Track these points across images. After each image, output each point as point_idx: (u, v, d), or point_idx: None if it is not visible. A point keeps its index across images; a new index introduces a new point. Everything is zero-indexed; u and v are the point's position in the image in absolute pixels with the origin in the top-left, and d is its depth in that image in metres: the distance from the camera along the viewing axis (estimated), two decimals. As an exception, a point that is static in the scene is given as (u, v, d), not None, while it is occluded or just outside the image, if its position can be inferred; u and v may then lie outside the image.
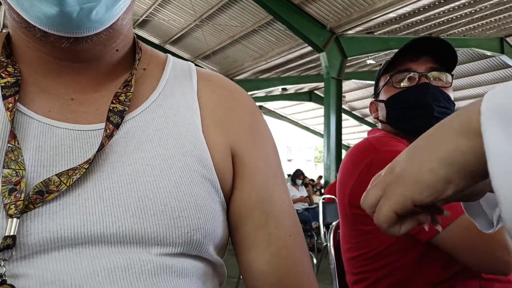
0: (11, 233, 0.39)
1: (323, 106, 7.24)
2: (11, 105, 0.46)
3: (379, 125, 1.11)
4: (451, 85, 1.02)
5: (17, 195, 0.41)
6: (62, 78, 0.50)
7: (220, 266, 0.54)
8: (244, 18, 7.37)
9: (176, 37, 8.59)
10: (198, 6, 7.18)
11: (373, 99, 1.12)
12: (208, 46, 8.72)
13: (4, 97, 0.46)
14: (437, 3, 6.23)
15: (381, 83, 1.07)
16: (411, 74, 1.00)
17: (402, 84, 1.01)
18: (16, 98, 0.46)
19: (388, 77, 1.03)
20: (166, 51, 8.87)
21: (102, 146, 0.46)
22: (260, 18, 7.27)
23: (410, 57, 1.01)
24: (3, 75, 0.48)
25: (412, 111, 0.98)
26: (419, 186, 0.37)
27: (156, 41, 8.90)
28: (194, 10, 7.26)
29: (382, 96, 1.06)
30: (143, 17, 7.85)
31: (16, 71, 0.49)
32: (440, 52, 1.00)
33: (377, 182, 0.42)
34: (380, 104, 1.07)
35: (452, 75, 1.03)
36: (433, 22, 6.87)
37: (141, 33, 8.61)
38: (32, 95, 0.49)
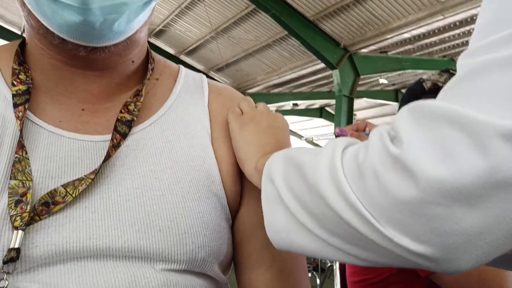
0: (16, 246, 0.39)
1: (333, 123, 7.22)
2: (21, 113, 0.45)
3: None
4: None
5: (23, 207, 0.40)
6: (74, 86, 0.50)
7: (224, 284, 0.54)
8: (259, 32, 7.45)
9: (191, 48, 8.70)
10: (214, 18, 7.28)
11: None
12: (222, 58, 8.81)
13: (15, 106, 0.46)
14: (452, 25, 6.23)
15: None
16: None
17: None
18: (26, 106, 0.46)
19: None
20: (180, 61, 9.00)
21: (108, 156, 0.45)
22: (275, 33, 7.33)
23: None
24: (15, 82, 0.48)
25: None
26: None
27: (171, 51, 9.02)
28: (210, 22, 7.36)
29: None
30: (160, 26, 7.98)
31: (27, 79, 0.49)
32: None
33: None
34: None
35: None
36: (448, 44, 6.86)
37: (157, 42, 8.74)
38: (44, 105, 0.48)
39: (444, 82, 1.01)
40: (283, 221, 0.41)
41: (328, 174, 0.36)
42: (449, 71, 1.02)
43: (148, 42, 0.59)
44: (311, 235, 0.38)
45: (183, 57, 9.18)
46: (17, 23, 8.37)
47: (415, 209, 0.30)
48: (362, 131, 0.84)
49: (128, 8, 0.43)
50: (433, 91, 1.01)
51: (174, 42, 8.76)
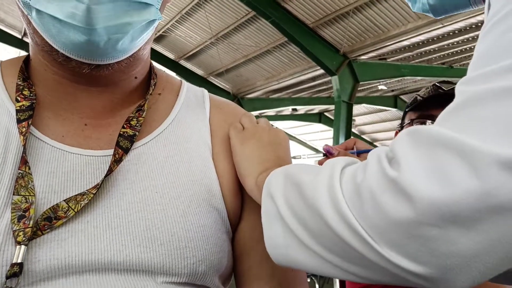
0: (19, 261, 0.39)
1: (332, 129, 7.23)
2: (24, 129, 0.45)
3: None
4: None
5: (26, 222, 0.41)
6: (77, 102, 0.50)
7: None
8: (258, 38, 7.47)
9: (191, 53, 8.71)
10: (214, 24, 7.31)
11: (398, 129, 1.12)
12: (221, 64, 8.83)
13: (19, 121, 0.46)
14: (451, 33, 6.26)
15: (406, 120, 1.06)
16: (432, 123, 0.97)
17: None
18: (30, 122, 0.46)
19: (411, 118, 1.03)
20: (180, 66, 9.00)
21: (110, 171, 0.45)
22: (275, 40, 7.36)
23: (436, 103, 0.99)
24: (19, 98, 0.48)
25: None
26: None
27: (171, 56, 9.04)
28: (211, 28, 7.39)
29: None
30: (160, 32, 8.00)
31: (31, 94, 0.49)
32: None
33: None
34: None
35: None
36: (447, 52, 6.89)
37: (157, 47, 8.76)
38: (47, 120, 0.49)
39: (423, 95, 1.02)
40: (282, 237, 0.42)
41: (327, 194, 0.37)
42: (435, 85, 1.03)
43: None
44: (310, 251, 0.39)
45: (183, 62, 9.20)
46: (18, 27, 8.39)
47: (412, 231, 0.31)
48: (350, 149, 0.84)
49: (132, 28, 0.44)
50: (411, 104, 1.04)
51: (174, 47, 8.78)
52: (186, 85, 0.61)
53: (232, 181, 0.54)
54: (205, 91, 0.63)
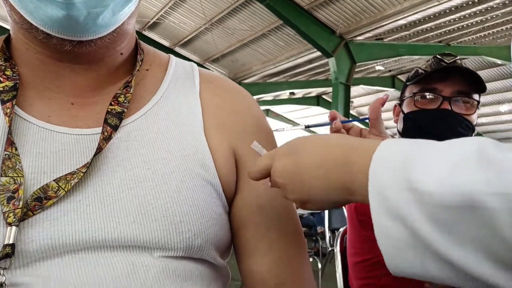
0: (10, 242, 0.39)
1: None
2: (9, 110, 0.45)
3: (397, 135, 1.09)
4: (475, 111, 0.97)
5: (16, 203, 0.40)
6: (62, 80, 0.49)
7: (224, 268, 0.54)
8: (253, 22, 7.39)
9: (186, 40, 8.63)
10: (208, 9, 7.22)
11: (397, 103, 1.09)
12: (217, 49, 8.76)
13: (3, 102, 0.45)
14: (447, 11, 6.20)
15: (406, 93, 1.04)
16: (435, 96, 0.96)
17: (423, 104, 0.97)
18: (14, 103, 0.45)
19: (413, 92, 1.00)
20: (175, 53, 8.88)
21: (99, 149, 0.45)
22: (270, 23, 7.28)
23: (439, 76, 0.96)
24: (1, 79, 0.47)
25: (425, 136, 0.96)
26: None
27: (166, 43, 8.95)
28: (205, 13, 7.30)
29: (405, 106, 1.03)
30: (154, 19, 7.91)
31: (14, 74, 0.48)
32: (471, 73, 0.96)
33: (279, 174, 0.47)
34: (401, 114, 1.04)
35: (480, 100, 0.98)
36: (444, 29, 6.84)
37: (151, 35, 8.67)
38: (32, 100, 0.48)
39: (425, 68, 1.01)
40: (421, 266, 0.34)
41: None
42: (436, 57, 1.01)
43: (142, 35, 0.58)
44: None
45: (178, 49, 9.12)
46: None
47: None
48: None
49: (112, 1, 0.43)
50: (413, 78, 1.02)
51: (168, 34, 8.69)
52: (175, 60, 0.60)
53: (225, 154, 0.52)
54: (194, 65, 0.61)
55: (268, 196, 0.54)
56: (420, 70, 1.01)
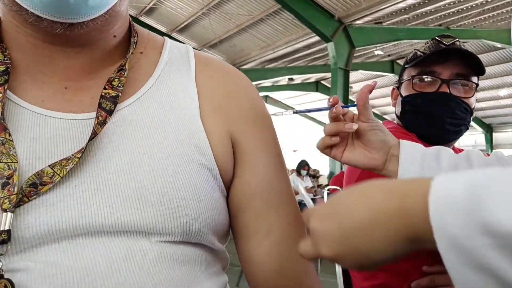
0: (6, 228, 0.39)
1: (329, 97, 7.21)
2: (1, 95, 0.44)
3: (396, 119, 1.08)
4: (473, 94, 0.96)
5: (10, 189, 0.40)
6: (54, 64, 0.48)
7: (222, 252, 0.54)
8: (251, 7, 7.31)
9: (183, 25, 8.55)
10: (205, -6, 7.14)
11: (396, 86, 1.07)
12: (215, 35, 8.68)
13: None
14: (447, -7, 6.14)
15: (405, 76, 1.02)
16: (433, 79, 0.95)
17: (422, 87, 0.96)
18: (6, 87, 0.45)
19: (411, 75, 0.98)
20: (173, 39, 8.77)
21: (94, 134, 0.44)
22: (268, 7, 7.21)
23: (438, 58, 0.95)
24: None
25: (424, 119, 0.95)
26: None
27: (163, 29, 8.87)
28: (201, -2, 7.22)
29: (403, 90, 1.01)
30: (150, 5, 7.82)
31: (5, 58, 0.47)
32: (470, 56, 0.94)
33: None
34: (399, 97, 1.03)
35: (478, 82, 0.97)
36: (443, 13, 6.77)
37: (148, 21, 8.58)
38: (25, 84, 0.47)
39: (423, 50, 0.99)
40: None
41: None
42: (435, 39, 1.00)
43: (139, 20, 0.57)
44: None
45: (175, 35, 9.04)
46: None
47: None
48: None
49: None
50: (412, 60, 1.00)
51: (165, 20, 8.61)
52: (170, 42, 0.59)
53: (222, 138, 0.52)
54: (190, 47, 0.60)
55: (268, 181, 0.54)
56: (418, 53, 1.00)
